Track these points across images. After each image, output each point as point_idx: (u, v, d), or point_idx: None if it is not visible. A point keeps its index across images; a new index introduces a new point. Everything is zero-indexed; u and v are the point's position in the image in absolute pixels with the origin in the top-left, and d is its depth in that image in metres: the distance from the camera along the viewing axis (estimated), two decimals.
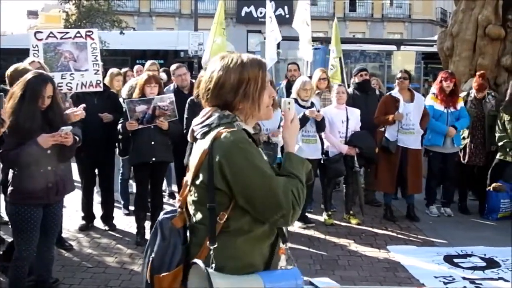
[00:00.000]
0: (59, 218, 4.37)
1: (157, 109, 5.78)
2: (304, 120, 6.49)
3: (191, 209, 2.20)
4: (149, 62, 8.10)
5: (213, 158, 2.06)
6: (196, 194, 2.15)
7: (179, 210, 2.25)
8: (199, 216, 2.15)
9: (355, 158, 6.92)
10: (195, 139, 2.24)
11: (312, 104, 6.79)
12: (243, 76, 2.15)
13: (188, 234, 2.22)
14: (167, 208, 6.63)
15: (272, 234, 2.19)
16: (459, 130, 7.33)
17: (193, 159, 2.18)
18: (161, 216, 2.26)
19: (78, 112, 4.94)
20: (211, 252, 2.07)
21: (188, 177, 2.21)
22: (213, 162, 2.05)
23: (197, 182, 2.13)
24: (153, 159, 5.91)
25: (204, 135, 2.15)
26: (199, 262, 2.05)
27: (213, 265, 2.06)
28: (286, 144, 2.28)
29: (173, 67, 7.34)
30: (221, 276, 2.04)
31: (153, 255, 2.18)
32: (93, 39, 6.46)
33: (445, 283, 5.10)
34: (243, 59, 2.18)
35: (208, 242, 2.08)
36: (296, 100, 6.71)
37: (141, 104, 5.79)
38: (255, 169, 2.05)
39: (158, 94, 5.91)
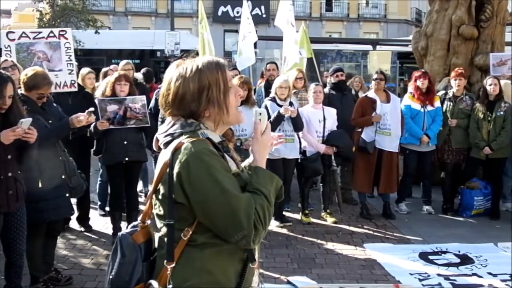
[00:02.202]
0: (23, 224, 4.23)
1: (128, 110, 5.74)
2: (279, 118, 6.50)
3: (157, 222, 2.08)
4: (123, 62, 8.04)
5: (172, 170, 1.93)
6: (160, 208, 2.03)
7: (140, 224, 2.13)
8: (164, 229, 2.02)
9: (333, 157, 6.98)
10: (159, 149, 2.11)
11: (291, 104, 6.80)
12: (202, 82, 2.02)
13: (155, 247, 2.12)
14: (142, 208, 6.61)
15: (242, 249, 2.03)
16: (432, 136, 7.41)
17: (156, 170, 2.07)
18: (121, 232, 2.13)
19: (81, 117, 4.85)
20: (168, 271, 1.95)
21: (152, 189, 2.09)
22: (172, 173, 1.93)
23: (159, 195, 2.01)
24: (126, 158, 5.87)
25: (167, 145, 2.03)
26: (153, 283, 1.98)
27: (170, 286, 1.95)
28: (254, 158, 2.10)
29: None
30: None
31: (113, 273, 2.05)
32: (66, 38, 6.37)
33: (420, 280, 5.16)
34: (199, 64, 2.05)
35: (165, 261, 1.97)
36: (274, 99, 6.74)
37: (112, 104, 5.74)
38: (215, 184, 1.90)
39: (130, 93, 5.88)
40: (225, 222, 1.91)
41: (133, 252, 2.06)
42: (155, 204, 2.07)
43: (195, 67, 2.05)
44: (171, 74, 2.08)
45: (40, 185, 4.44)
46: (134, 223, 2.19)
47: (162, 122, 5.84)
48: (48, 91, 4.76)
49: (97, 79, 7.89)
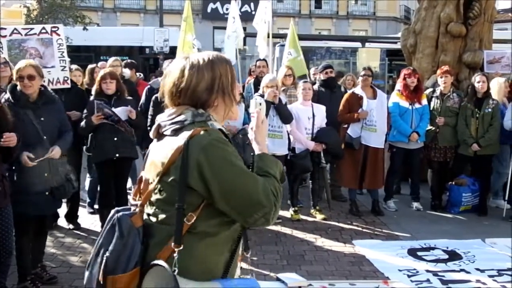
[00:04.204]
0: (11, 222, 4.19)
1: (120, 120, 5.74)
2: (266, 106, 6.47)
3: (152, 208, 2.10)
4: (112, 59, 8.03)
5: (188, 156, 1.98)
6: (164, 193, 2.05)
7: (139, 208, 2.13)
8: (162, 215, 2.06)
9: (322, 154, 6.98)
10: (159, 136, 2.15)
11: (280, 101, 6.79)
12: (215, 72, 2.12)
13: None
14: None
15: (233, 239, 2.12)
16: (421, 133, 7.45)
17: (159, 155, 2.09)
18: (120, 213, 2.12)
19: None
20: (175, 254, 1.98)
21: (150, 174, 2.12)
22: (188, 160, 1.98)
23: (168, 180, 2.03)
24: (117, 155, 5.84)
25: (175, 131, 2.07)
26: (163, 264, 1.97)
27: (176, 269, 1.97)
28: (258, 145, 2.22)
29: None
30: (186, 281, 1.99)
31: (107, 254, 2.04)
32: (59, 35, 6.35)
33: (409, 276, 5.19)
34: (210, 56, 2.15)
35: (172, 244, 2.00)
36: (263, 97, 6.72)
37: (108, 110, 5.74)
38: (234, 168, 2.00)
39: (117, 89, 5.90)
40: (245, 203, 1.99)
41: (132, 235, 2.06)
42: (155, 189, 2.08)
43: (207, 58, 2.14)
44: (182, 64, 2.14)
45: (15, 178, 4.36)
46: (126, 207, 2.19)
47: (151, 123, 5.88)
48: (27, 72, 4.56)
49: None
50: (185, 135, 2.02)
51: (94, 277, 2.07)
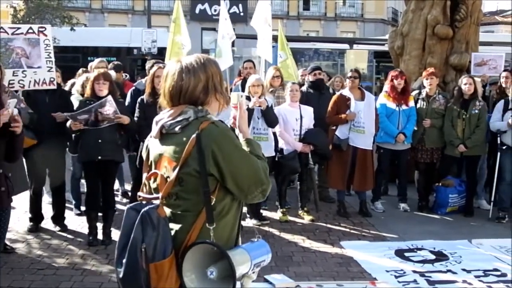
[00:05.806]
0: (7, 222, 4.13)
1: (99, 115, 5.66)
2: (249, 113, 6.46)
3: (172, 199, 2.31)
4: (97, 60, 7.99)
5: (202, 146, 2.22)
6: (184, 183, 2.27)
7: (161, 200, 2.30)
8: (186, 204, 2.28)
9: (309, 155, 6.99)
10: (162, 135, 2.34)
11: (266, 107, 6.78)
12: (207, 73, 2.34)
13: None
14: (120, 207, 6.55)
15: (238, 214, 2.41)
16: (408, 135, 7.49)
17: (170, 151, 2.29)
18: (145, 207, 2.26)
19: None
20: (211, 232, 2.23)
21: (166, 170, 2.30)
22: (203, 150, 2.22)
23: (188, 170, 2.25)
24: (99, 157, 5.80)
25: (183, 128, 2.28)
26: (207, 241, 2.20)
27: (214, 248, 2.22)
28: (243, 132, 2.50)
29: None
30: (235, 252, 2.26)
31: (144, 245, 2.20)
32: (46, 35, 6.31)
33: (396, 277, 5.21)
34: (201, 59, 2.37)
35: (207, 224, 2.24)
36: (248, 98, 6.71)
37: (82, 115, 5.66)
38: (240, 152, 2.30)
39: (110, 91, 5.82)
40: (249, 181, 2.29)
41: (161, 225, 2.23)
42: (175, 181, 2.27)
43: (199, 61, 2.36)
44: (178, 68, 2.33)
45: None
46: (137, 202, 2.36)
47: (139, 127, 5.85)
48: None
49: (73, 77, 7.84)
50: (194, 129, 2.24)
51: (138, 265, 2.20)
